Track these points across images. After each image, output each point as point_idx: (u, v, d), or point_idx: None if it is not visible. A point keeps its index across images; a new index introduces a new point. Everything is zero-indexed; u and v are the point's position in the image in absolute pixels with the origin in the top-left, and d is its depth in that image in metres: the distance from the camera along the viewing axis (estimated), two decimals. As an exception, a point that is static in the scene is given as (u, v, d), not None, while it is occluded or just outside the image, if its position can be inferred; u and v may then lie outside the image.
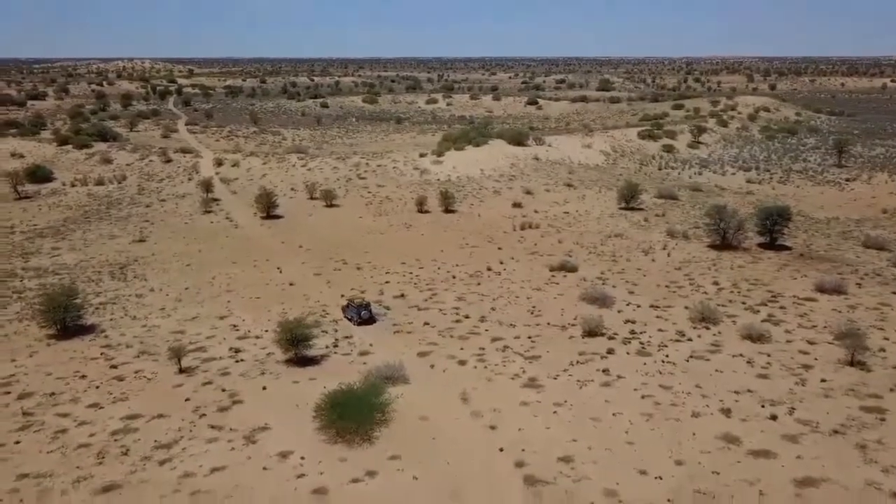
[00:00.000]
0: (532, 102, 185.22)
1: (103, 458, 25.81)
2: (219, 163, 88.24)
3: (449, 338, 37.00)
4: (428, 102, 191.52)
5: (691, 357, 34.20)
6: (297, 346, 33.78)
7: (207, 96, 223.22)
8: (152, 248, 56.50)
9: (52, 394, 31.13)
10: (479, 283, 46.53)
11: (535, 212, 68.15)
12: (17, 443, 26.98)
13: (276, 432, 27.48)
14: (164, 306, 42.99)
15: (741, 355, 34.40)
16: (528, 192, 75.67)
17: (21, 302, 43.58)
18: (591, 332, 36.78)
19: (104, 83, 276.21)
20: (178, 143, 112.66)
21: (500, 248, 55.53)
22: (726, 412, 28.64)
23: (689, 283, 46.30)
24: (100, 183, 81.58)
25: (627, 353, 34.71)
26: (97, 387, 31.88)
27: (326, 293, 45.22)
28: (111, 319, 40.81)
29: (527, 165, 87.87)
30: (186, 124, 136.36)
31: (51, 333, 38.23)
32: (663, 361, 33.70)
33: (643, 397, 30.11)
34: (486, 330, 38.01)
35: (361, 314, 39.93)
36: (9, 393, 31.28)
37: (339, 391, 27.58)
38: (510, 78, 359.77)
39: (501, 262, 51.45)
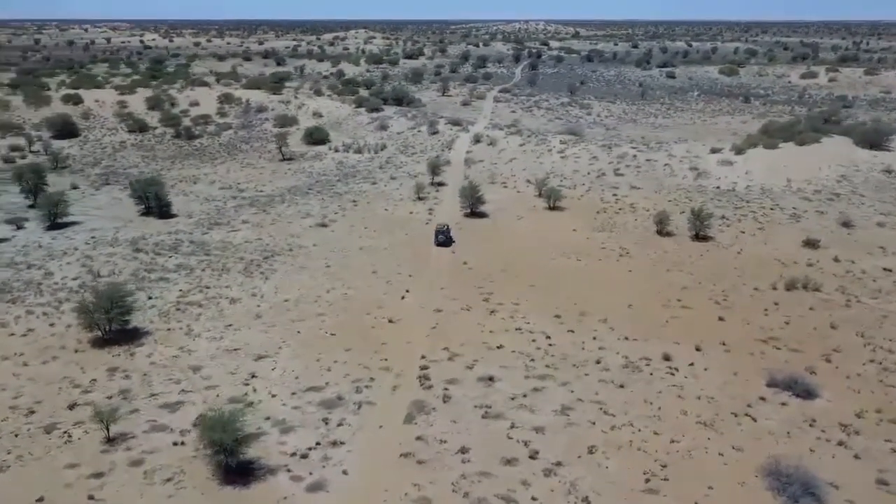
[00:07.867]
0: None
1: None
2: (477, 140, 79.40)
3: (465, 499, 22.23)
4: (803, 77, 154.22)
5: None
6: (227, 454, 23.06)
7: (559, 60, 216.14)
8: (322, 237, 50.49)
9: (-30, 433, 25.95)
10: (622, 385, 29.40)
11: (835, 260, 44.67)
12: None
13: None
14: (234, 323, 35.98)
15: None
16: (845, 225, 50.97)
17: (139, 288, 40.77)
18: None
19: (479, 44, 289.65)
20: (472, 111, 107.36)
21: (720, 319, 36.13)
22: None
23: None
24: (358, 151, 79.59)
25: None
26: (16, 435, 25.84)
27: (418, 345, 33.33)
28: (169, 330, 35.23)
29: (867, 180, 60.28)
30: (500, 90, 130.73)
31: (95, 336, 34.03)
32: None
33: None
34: None
35: (438, 238, 46.18)
36: (-51, 416, 27.05)
37: None
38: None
39: (698, 349, 32.72)
